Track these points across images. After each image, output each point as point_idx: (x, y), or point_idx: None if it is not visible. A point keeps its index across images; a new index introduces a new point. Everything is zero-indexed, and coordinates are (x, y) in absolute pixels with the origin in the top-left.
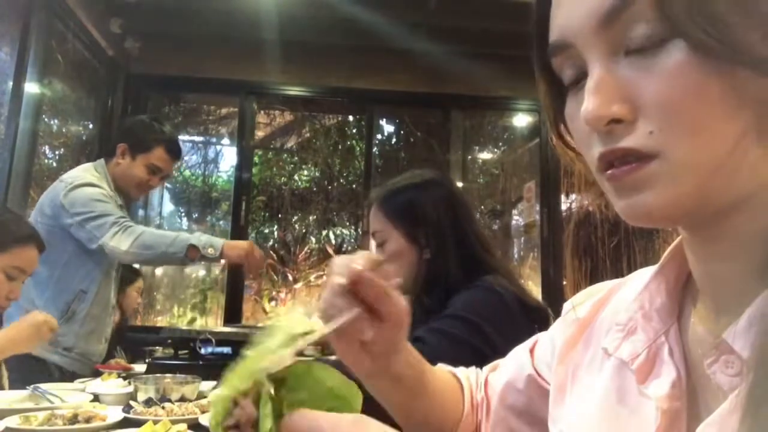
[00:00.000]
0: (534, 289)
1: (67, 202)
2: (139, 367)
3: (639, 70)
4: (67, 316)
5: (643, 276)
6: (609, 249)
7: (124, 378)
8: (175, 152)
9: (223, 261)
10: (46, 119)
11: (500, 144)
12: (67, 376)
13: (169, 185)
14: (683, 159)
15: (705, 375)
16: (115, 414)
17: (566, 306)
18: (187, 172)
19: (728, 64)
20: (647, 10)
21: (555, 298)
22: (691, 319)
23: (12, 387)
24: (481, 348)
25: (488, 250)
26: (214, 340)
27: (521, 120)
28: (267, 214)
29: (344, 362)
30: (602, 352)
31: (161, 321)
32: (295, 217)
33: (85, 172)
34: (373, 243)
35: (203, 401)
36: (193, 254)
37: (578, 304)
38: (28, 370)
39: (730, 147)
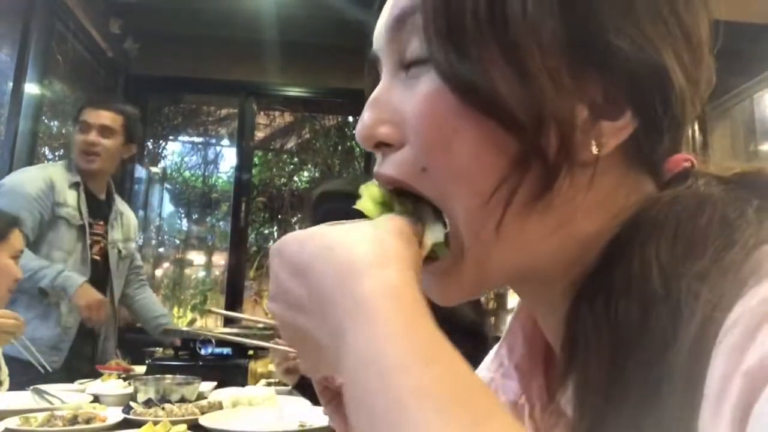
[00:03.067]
0: None
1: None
2: (139, 368)
3: (408, 90)
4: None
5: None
6: None
7: (124, 379)
8: (94, 102)
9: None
10: (45, 120)
11: None
12: (27, 368)
13: (168, 186)
14: (456, 210)
15: None
16: (115, 415)
17: None
18: (186, 173)
19: (476, 108)
20: (419, 25)
21: None
22: (555, 368)
23: (10, 388)
24: None
25: None
26: (214, 341)
27: None
28: (267, 215)
29: None
30: None
31: None
32: (295, 218)
33: (45, 164)
34: None
35: (203, 402)
36: (46, 294)
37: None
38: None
39: (481, 202)
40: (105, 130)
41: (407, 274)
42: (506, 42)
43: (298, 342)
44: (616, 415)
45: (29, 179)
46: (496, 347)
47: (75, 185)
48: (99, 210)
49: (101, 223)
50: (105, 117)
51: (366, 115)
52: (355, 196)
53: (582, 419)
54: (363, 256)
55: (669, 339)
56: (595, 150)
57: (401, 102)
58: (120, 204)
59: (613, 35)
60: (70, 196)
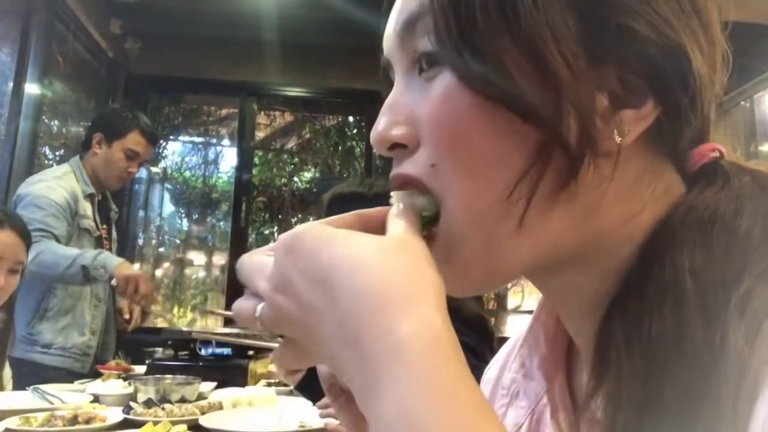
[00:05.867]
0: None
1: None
2: (139, 368)
3: (422, 92)
4: (39, 315)
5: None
6: None
7: (125, 379)
8: (150, 135)
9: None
10: (46, 120)
11: None
12: (63, 375)
13: (169, 186)
14: (456, 204)
15: None
16: (115, 415)
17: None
18: (187, 173)
19: (494, 102)
20: (431, 26)
21: None
22: (579, 367)
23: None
24: None
25: None
26: (214, 342)
27: None
28: (267, 215)
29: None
30: None
31: (161, 322)
32: (295, 219)
33: (54, 171)
34: None
35: (203, 402)
36: (88, 274)
37: (493, 363)
38: (20, 374)
39: (497, 196)
40: (143, 162)
41: (444, 312)
42: (519, 34)
43: (296, 333)
44: None
45: (52, 188)
46: (509, 345)
47: (90, 196)
48: (103, 214)
49: (104, 226)
50: (149, 151)
51: (381, 120)
52: (367, 197)
53: None
54: (397, 285)
55: (709, 360)
56: (618, 139)
57: (416, 104)
58: (111, 202)
59: (626, 16)
60: (88, 208)
